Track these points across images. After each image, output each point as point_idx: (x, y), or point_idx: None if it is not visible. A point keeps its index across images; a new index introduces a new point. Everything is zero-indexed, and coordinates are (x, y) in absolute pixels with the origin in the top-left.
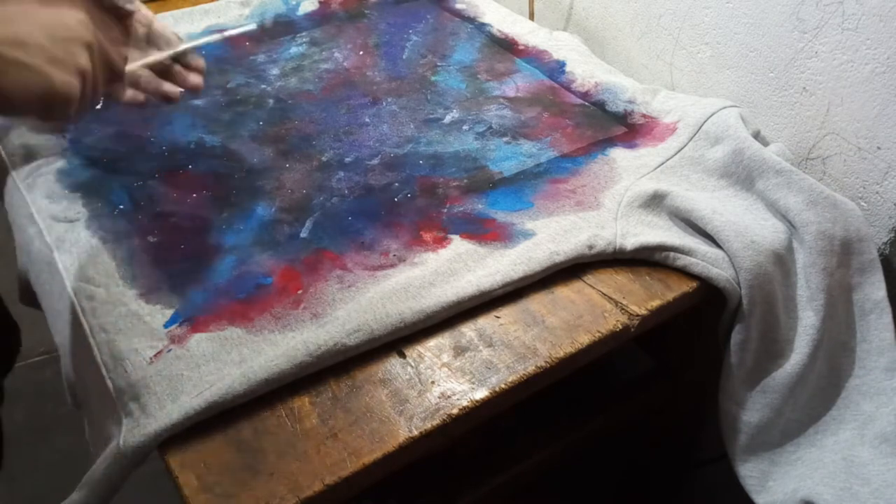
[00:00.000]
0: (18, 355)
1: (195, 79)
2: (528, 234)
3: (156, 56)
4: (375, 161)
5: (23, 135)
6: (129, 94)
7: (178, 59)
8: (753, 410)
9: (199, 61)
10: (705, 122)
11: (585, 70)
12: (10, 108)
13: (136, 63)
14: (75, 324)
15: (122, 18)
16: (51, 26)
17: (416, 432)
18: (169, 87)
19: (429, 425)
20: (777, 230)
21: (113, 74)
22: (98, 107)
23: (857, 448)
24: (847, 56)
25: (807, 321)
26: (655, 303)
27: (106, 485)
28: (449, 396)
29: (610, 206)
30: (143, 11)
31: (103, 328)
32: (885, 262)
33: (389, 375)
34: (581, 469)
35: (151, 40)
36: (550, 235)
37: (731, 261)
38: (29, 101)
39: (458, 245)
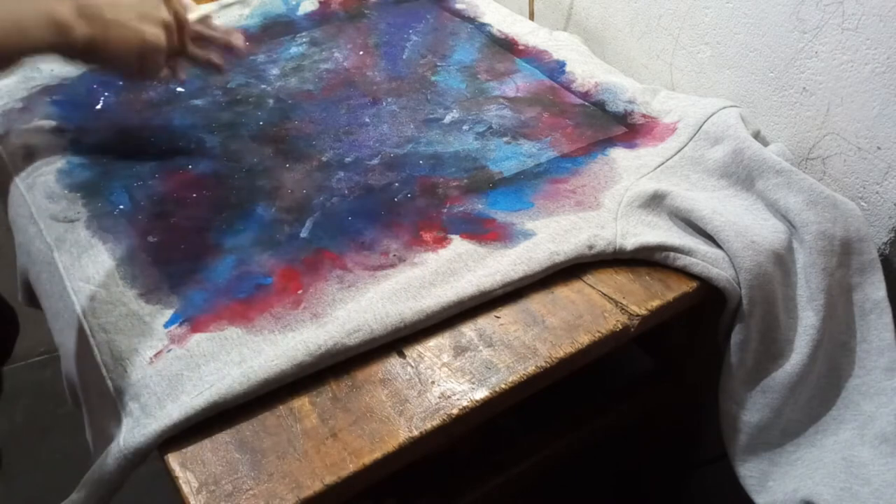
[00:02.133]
0: (16, 347)
1: (237, 40)
2: (528, 234)
3: (202, 12)
4: (375, 161)
5: (22, 135)
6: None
7: (204, 22)
8: (753, 410)
9: (238, 34)
10: (705, 122)
11: (585, 70)
12: (113, 60)
13: (192, 15)
14: (75, 324)
15: None
16: None
17: (416, 432)
18: (216, 58)
19: (429, 425)
20: (777, 230)
21: (181, 29)
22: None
23: (857, 448)
24: (847, 56)
25: (807, 321)
26: (655, 303)
27: (106, 485)
28: (449, 396)
29: (610, 206)
30: None
31: (103, 328)
32: (885, 262)
33: (389, 375)
34: (581, 469)
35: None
36: (550, 235)
37: (731, 261)
38: (129, 53)
39: (458, 245)
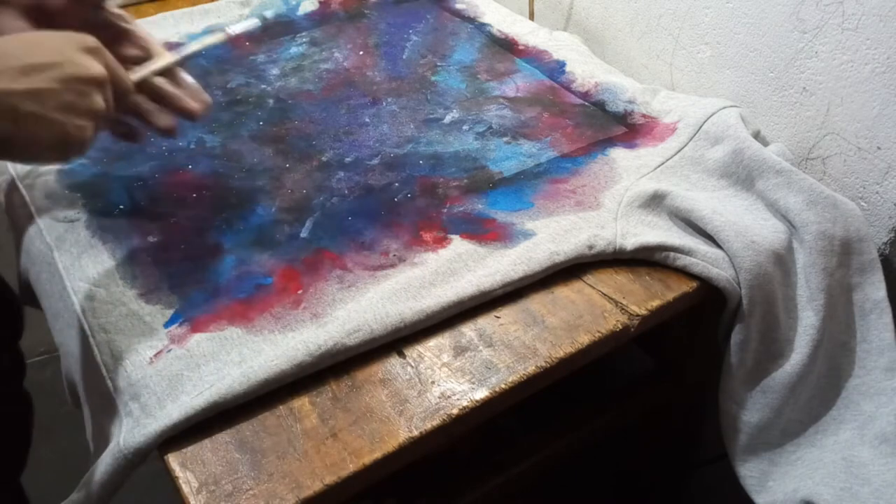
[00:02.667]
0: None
1: (191, 104)
2: (528, 234)
3: (157, 64)
4: (375, 161)
5: None
6: (121, 129)
7: (174, 79)
8: (753, 410)
9: (203, 94)
10: (705, 122)
11: (585, 70)
12: (26, 156)
13: (139, 73)
14: (75, 324)
15: (116, 38)
16: (61, 63)
17: (416, 432)
18: (163, 121)
19: (429, 425)
20: (777, 230)
21: (120, 96)
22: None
23: (857, 448)
24: (847, 56)
25: (807, 321)
26: (655, 303)
27: (106, 485)
28: (449, 396)
29: (610, 206)
30: (139, 29)
31: (103, 328)
32: (885, 262)
33: (389, 375)
34: (581, 469)
35: (146, 61)
36: (550, 235)
37: (731, 261)
38: (44, 149)
39: (458, 245)
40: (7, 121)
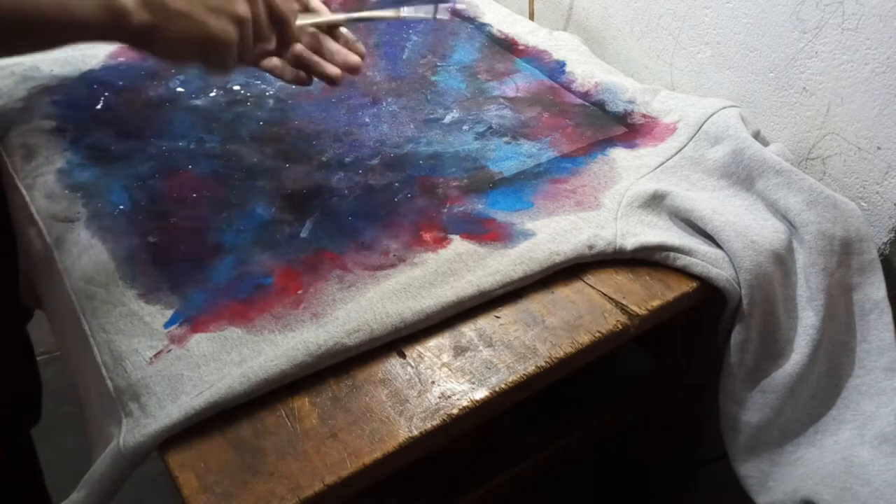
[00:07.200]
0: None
1: (354, 59)
2: (528, 234)
3: (324, 18)
4: (375, 161)
5: (23, 134)
6: (291, 72)
7: (332, 33)
8: (753, 410)
9: (359, 45)
10: (705, 122)
11: (585, 70)
12: (171, 53)
13: (305, 20)
14: (75, 324)
15: None
16: None
17: (416, 432)
18: (331, 68)
19: (429, 425)
20: (777, 230)
21: (279, 23)
22: (269, 62)
23: (857, 448)
24: (847, 56)
25: (807, 321)
26: (655, 303)
27: (106, 485)
28: (449, 396)
29: (610, 206)
30: None
31: (103, 328)
32: (885, 262)
33: (389, 375)
34: (581, 469)
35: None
36: (550, 235)
37: (731, 261)
38: (188, 47)
39: (458, 245)
40: (159, 17)
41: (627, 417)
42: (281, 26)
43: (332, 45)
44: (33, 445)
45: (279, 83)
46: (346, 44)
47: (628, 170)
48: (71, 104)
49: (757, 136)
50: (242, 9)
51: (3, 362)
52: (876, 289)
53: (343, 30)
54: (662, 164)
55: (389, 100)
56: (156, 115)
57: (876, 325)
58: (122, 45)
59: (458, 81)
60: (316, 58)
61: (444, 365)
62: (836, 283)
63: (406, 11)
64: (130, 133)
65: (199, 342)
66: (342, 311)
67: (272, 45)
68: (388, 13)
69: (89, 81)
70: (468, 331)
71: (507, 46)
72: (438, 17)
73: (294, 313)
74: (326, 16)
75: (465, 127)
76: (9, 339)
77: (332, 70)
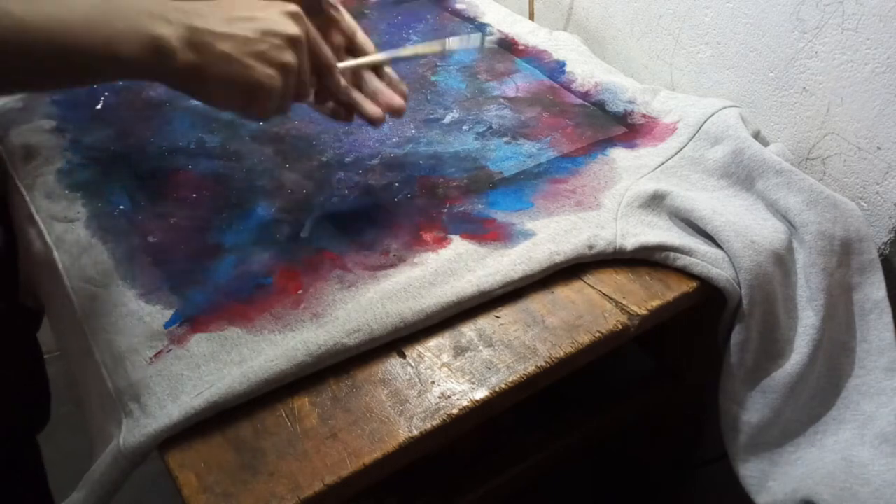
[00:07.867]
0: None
1: (398, 101)
2: (528, 234)
3: (369, 59)
4: (375, 161)
5: (23, 134)
6: (332, 106)
7: (376, 69)
8: (753, 410)
9: (403, 86)
10: (705, 122)
11: (585, 70)
12: (213, 96)
13: (349, 63)
14: (75, 324)
15: (325, 26)
16: (262, 18)
17: (416, 432)
18: (372, 109)
19: (429, 425)
20: (777, 230)
21: (322, 71)
22: (308, 101)
23: (857, 448)
24: (847, 56)
25: (807, 321)
26: (655, 303)
27: (106, 485)
28: (449, 396)
29: (610, 206)
30: (348, 20)
31: (103, 328)
32: (885, 262)
33: (389, 375)
34: (581, 469)
35: (353, 52)
36: (550, 235)
37: (731, 261)
38: (231, 91)
39: (458, 245)
40: (205, 58)
41: (627, 417)
42: (324, 75)
43: (375, 82)
44: (39, 448)
45: None
46: (390, 83)
47: (628, 170)
48: (71, 104)
49: (757, 136)
50: (289, 57)
51: (13, 367)
52: (876, 289)
53: (387, 69)
54: (662, 164)
55: None
56: (156, 115)
57: (876, 325)
58: (163, 84)
59: (458, 81)
60: (358, 96)
61: (444, 365)
62: (836, 283)
63: (451, 44)
64: (130, 133)
65: (199, 342)
66: (342, 310)
67: (311, 97)
68: (433, 48)
69: None
70: (468, 331)
71: (507, 46)
72: (486, 46)
73: (294, 313)
74: (370, 57)
75: (465, 127)
76: (18, 344)
77: (374, 111)
